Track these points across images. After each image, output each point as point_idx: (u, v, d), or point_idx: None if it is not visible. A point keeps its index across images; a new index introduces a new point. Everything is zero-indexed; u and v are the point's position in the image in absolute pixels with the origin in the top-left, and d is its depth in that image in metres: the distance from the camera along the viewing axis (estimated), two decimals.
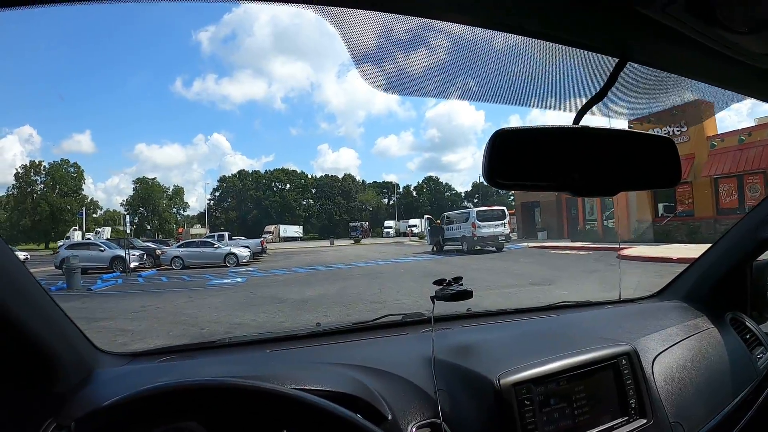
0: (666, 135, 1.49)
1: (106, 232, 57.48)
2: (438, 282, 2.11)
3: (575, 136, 1.11)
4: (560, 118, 1.23)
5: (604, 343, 1.92)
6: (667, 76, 1.24)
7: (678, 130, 24.33)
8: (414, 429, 1.55)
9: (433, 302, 2.01)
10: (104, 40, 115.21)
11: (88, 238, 45.93)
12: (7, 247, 1.37)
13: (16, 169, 79.84)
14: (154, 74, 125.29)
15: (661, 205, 28.36)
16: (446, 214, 34.85)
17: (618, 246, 23.44)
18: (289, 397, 1.06)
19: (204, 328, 9.83)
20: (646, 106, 1.40)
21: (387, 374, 1.74)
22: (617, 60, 1.08)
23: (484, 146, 1.06)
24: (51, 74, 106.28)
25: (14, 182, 78.89)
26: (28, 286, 1.43)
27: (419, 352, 1.89)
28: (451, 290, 2.03)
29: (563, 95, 1.28)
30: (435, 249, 33.01)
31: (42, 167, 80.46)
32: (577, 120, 1.13)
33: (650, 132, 1.23)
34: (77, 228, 61.62)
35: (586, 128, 1.11)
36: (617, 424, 1.74)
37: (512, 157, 1.06)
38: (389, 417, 1.53)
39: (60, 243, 50.83)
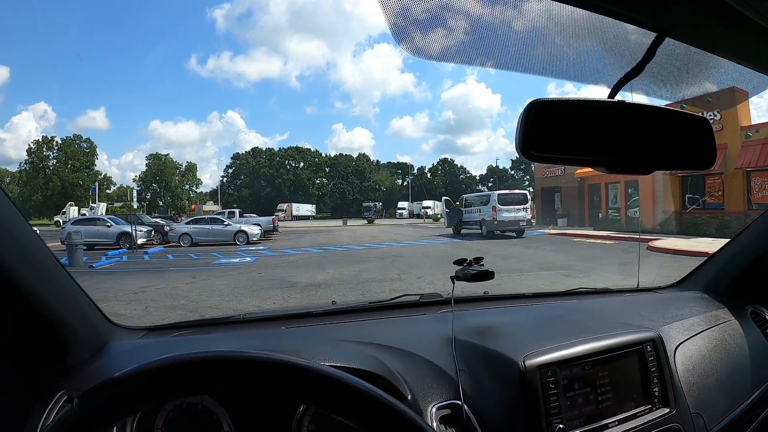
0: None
1: (101, 207, 57.52)
2: (458, 261, 2.03)
3: (611, 110, 1.09)
4: (591, 93, 1.19)
5: (627, 328, 1.87)
6: (704, 55, 1.20)
7: (711, 119, 22.93)
8: (434, 410, 1.51)
9: (453, 282, 1.93)
10: (120, 17, 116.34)
11: (83, 214, 46.81)
12: (23, 221, 1.38)
13: (29, 145, 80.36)
14: (169, 52, 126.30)
15: (687, 197, 27.04)
16: (465, 196, 34.09)
17: (646, 237, 22.27)
18: (308, 369, 0.96)
19: (204, 314, 8.89)
20: (681, 86, 1.36)
21: (406, 353, 1.71)
22: (655, 35, 1.05)
23: (518, 116, 1.04)
24: (66, 50, 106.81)
25: (27, 158, 79.48)
26: (43, 260, 1.44)
27: (438, 332, 1.86)
28: (472, 270, 1.96)
29: (598, 69, 1.24)
30: (455, 231, 32.16)
31: (54, 143, 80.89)
32: (612, 95, 1.10)
33: (685, 111, 1.18)
34: (73, 203, 61.81)
35: (622, 103, 1.09)
36: (640, 411, 1.68)
37: (547, 129, 1.04)
38: (408, 397, 1.50)
39: (56, 218, 52.55)
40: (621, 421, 1.63)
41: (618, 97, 1.10)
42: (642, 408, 1.69)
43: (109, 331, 1.81)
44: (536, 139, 1.04)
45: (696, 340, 2.07)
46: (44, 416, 1.40)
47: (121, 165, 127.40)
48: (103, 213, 48.15)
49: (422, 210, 69.92)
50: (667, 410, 1.73)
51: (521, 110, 1.03)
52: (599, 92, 1.15)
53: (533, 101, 1.03)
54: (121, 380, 0.94)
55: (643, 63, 1.06)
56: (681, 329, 2.09)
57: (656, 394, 1.73)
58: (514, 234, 28.47)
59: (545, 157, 1.07)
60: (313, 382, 0.95)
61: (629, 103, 1.10)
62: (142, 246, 25.12)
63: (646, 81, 1.20)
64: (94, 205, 60.03)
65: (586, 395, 1.60)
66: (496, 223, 28.37)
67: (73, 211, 55.55)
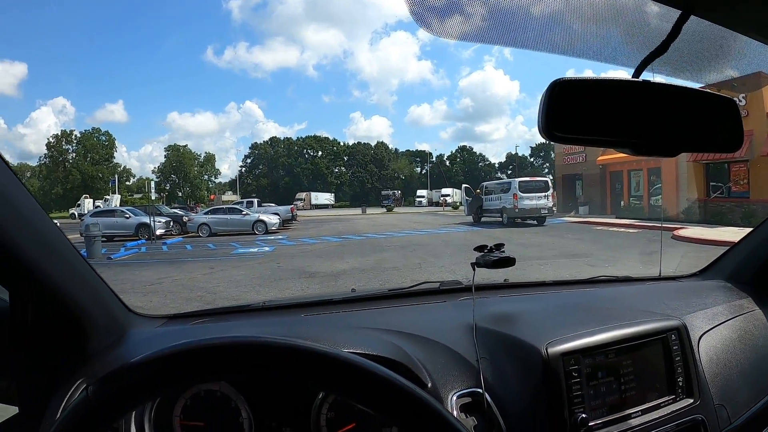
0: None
1: (116, 199, 58.65)
2: (479, 248, 1.94)
3: (636, 90, 1.06)
4: (613, 75, 1.13)
5: (651, 317, 1.79)
6: (730, 35, 1.17)
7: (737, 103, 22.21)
8: (455, 398, 1.48)
9: (474, 269, 1.88)
10: (135, 10, 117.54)
11: (98, 206, 48.10)
12: (42, 212, 1.38)
13: (48, 139, 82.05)
14: (185, 44, 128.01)
15: (711, 184, 26.42)
16: (485, 184, 33.76)
17: (670, 225, 21.62)
18: (327, 355, 0.94)
19: (219, 306, 8.67)
20: (706, 68, 1.36)
21: (426, 340, 1.68)
22: (680, 12, 1.02)
23: (540, 96, 1.02)
24: (83, 45, 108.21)
25: (46, 152, 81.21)
26: (62, 250, 1.44)
27: (459, 320, 1.82)
28: (493, 257, 1.88)
29: (620, 49, 1.23)
30: (475, 219, 31.91)
31: (73, 136, 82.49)
32: (636, 75, 1.08)
33: (712, 92, 1.15)
34: (88, 196, 63.02)
35: (647, 82, 1.06)
36: (664, 402, 1.63)
37: (571, 109, 1.01)
38: (429, 384, 1.49)
39: (71, 210, 54.31)
40: (644, 411, 1.59)
41: (642, 78, 1.07)
42: (666, 398, 1.65)
43: (129, 319, 1.81)
44: (559, 119, 1.01)
45: (720, 330, 2.02)
46: (63, 403, 1.42)
47: (141, 157, 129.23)
48: (117, 204, 49.12)
49: (441, 198, 69.58)
50: (691, 401, 1.68)
51: (543, 91, 1.00)
52: (621, 74, 1.12)
53: (556, 81, 1.00)
54: (136, 367, 0.92)
55: (667, 42, 1.04)
56: (704, 318, 2.04)
57: (680, 384, 1.69)
58: (535, 222, 28.09)
59: (568, 138, 1.04)
60: (333, 368, 0.92)
61: (654, 83, 1.07)
62: (160, 237, 25.14)
63: (669, 63, 1.18)
64: (108, 197, 61.02)
65: (610, 384, 1.57)
66: (517, 210, 28.02)
67: (87, 204, 56.97)
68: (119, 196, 62.66)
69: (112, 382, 0.91)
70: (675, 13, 1.02)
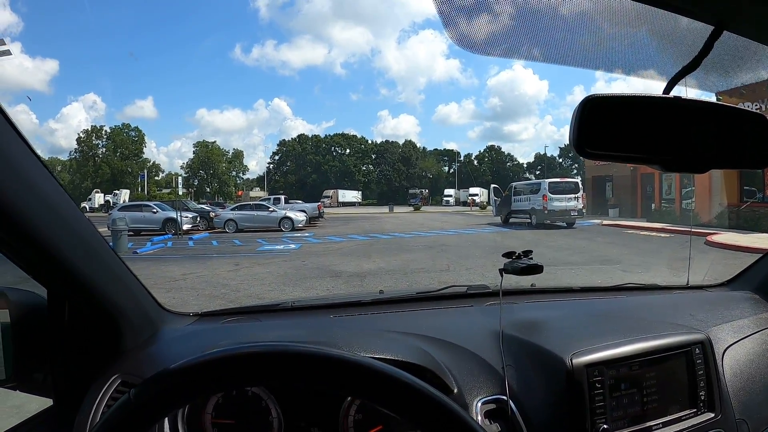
0: (757, 111, 1.20)
1: (124, 194, 61.01)
2: (507, 254, 1.99)
3: (668, 107, 1.06)
4: (641, 84, 1.20)
5: (676, 329, 1.81)
6: (763, 49, 1.16)
7: None
8: (479, 404, 1.52)
9: (502, 275, 1.91)
10: (165, 8, 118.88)
11: (107, 200, 51.37)
12: (77, 210, 1.39)
13: (79, 134, 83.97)
14: (213, 42, 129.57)
15: (744, 189, 25.51)
16: (514, 184, 33.14)
17: (704, 231, 20.76)
18: (361, 365, 0.96)
19: (244, 304, 8.44)
20: (735, 77, 1.33)
21: (453, 346, 1.72)
22: (712, 28, 1.02)
23: (572, 112, 1.02)
24: (113, 43, 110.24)
25: (76, 146, 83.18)
26: (97, 247, 1.47)
27: (485, 325, 1.86)
28: (521, 263, 1.91)
29: (650, 63, 1.23)
30: (503, 220, 31.59)
31: (103, 132, 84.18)
32: (667, 91, 1.08)
33: (741, 107, 1.15)
34: (99, 190, 64.81)
35: (678, 99, 1.06)
36: (685, 415, 1.64)
37: (602, 125, 1.02)
38: (455, 390, 1.52)
39: (83, 204, 55.25)
40: (665, 424, 1.60)
41: (673, 92, 1.07)
42: (687, 411, 1.65)
43: (161, 316, 1.85)
44: (591, 136, 1.01)
45: (745, 343, 2.00)
46: (99, 397, 1.46)
47: (170, 152, 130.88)
48: (126, 200, 51.10)
49: (469, 198, 68.91)
50: (712, 415, 1.69)
51: (575, 106, 1.00)
52: (648, 84, 1.17)
53: (588, 97, 1.00)
54: (179, 371, 0.93)
55: (699, 58, 1.03)
56: (730, 331, 2.03)
57: (702, 398, 1.69)
58: (564, 225, 27.51)
59: (600, 154, 1.03)
60: (362, 376, 0.94)
61: (686, 99, 1.05)
62: (187, 232, 25.32)
63: (699, 76, 1.14)
64: (117, 191, 62.91)
65: (632, 396, 1.57)
66: (546, 212, 27.53)
67: (98, 198, 59.66)
68: (128, 191, 64.70)
69: (155, 386, 0.92)
70: (705, 28, 1.02)
